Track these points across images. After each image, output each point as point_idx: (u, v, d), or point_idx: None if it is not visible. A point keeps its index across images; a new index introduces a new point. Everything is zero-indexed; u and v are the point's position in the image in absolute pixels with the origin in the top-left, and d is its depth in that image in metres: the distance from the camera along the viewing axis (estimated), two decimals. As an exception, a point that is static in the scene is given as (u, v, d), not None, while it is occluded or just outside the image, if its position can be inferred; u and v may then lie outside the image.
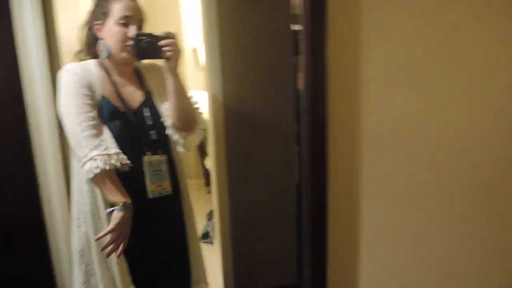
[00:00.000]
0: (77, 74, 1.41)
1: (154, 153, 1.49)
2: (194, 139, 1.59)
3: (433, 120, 1.39)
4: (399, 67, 1.35)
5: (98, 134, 1.34)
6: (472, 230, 1.48)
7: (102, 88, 1.44)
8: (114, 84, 1.47)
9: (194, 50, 3.92)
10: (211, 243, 2.96)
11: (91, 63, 1.49)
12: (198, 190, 3.93)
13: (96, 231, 1.43)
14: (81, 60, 1.55)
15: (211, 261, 2.35)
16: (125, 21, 1.42)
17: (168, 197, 1.53)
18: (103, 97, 1.44)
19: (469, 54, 1.37)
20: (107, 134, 1.38)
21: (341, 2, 1.28)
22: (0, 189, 1.79)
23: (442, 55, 1.36)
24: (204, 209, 3.31)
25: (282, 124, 1.72)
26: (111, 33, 1.43)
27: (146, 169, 1.46)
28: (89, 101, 1.37)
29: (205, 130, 1.64)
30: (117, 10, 1.42)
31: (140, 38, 1.38)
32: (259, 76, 1.83)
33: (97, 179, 1.32)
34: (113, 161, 1.32)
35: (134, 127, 1.46)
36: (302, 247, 1.45)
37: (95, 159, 1.30)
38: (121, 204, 1.33)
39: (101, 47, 1.47)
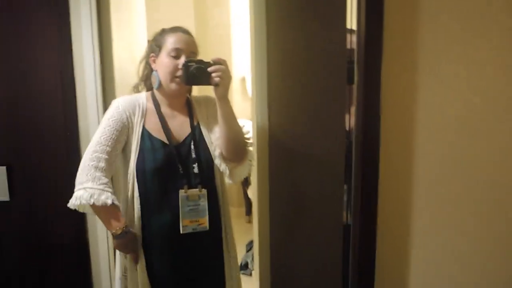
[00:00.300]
0: (119, 107, 1.46)
1: (193, 186, 1.47)
2: (243, 171, 1.54)
3: (488, 168, 1.30)
4: (455, 111, 1.29)
5: (104, 169, 1.38)
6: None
7: (145, 121, 1.48)
8: (161, 117, 1.50)
9: (243, 79, 3.98)
10: (250, 274, 2.90)
11: (143, 96, 1.54)
12: (239, 219, 3.90)
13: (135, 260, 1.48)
14: (138, 92, 1.60)
15: (249, 294, 2.29)
16: (176, 54, 1.45)
17: (205, 233, 1.49)
18: (144, 129, 1.47)
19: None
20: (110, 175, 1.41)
21: (397, 43, 1.25)
22: (48, 213, 1.88)
23: (500, 103, 1.28)
24: (244, 239, 3.27)
25: (330, 159, 1.66)
26: (162, 65, 1.46)
27: (181, 204, 1.45)
28: (115, 137, 1.41)
29: (252, 162, 1.59)
30: (169, 43, 1.45)
31: (189, 64, 1.38)
32: (306, 108, 1.80)
33: (92, 207, 1.36)
34: (102, 198, 1.33)
35: (175, 160, 1.46)
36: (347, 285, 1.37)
37: (86, 190, 1.33)
38: (113, 233, 1.39)
39: (153, 78, 1.51)
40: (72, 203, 1.35)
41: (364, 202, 1.17)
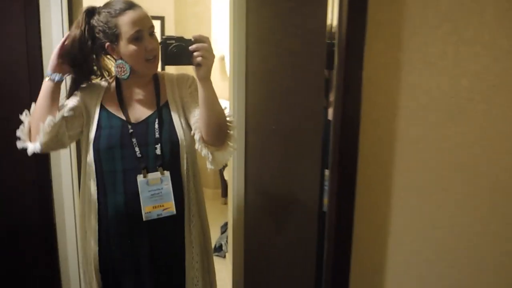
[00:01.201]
0: (82, 87, 1.44)
1: (153, 170, 1.38)
2: (224, 156, 1.40)
3: (474, 153, 1.27)
4: (441, 93, 1.23)
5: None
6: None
7: (104, 100, 1.42)
8: (119, 94, 1.42)
9: (222, 58, 3.88)
10: (224, 257, 2.88)
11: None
12: (214, 200, 3.87)
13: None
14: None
15: (221, 276, 2.28)
16: (138, 36, 1.31)
17: (166, 218, 1.40)
18: (103, 108, 1.41)
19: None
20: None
21: (381, 20, 1.19)
22: (16, 193, 1.81)
23: (489, 85, 1.23)
24: (219, 220, 3.24)
25: (309, 142, 1.61)
26: (128, 54, 1.33)
27: (140, 189, 1.36)
28: (71, 101, 1.40)
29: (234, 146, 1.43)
30: (126, 28, 1.31)
31: (168, 42, 1.23)
32: (284, 89, 1.75)
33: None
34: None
35: (133, 140, 1.38)
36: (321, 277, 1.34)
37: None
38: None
39: (119, 68, 1.37)
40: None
41: (340, 188, 1.12)
